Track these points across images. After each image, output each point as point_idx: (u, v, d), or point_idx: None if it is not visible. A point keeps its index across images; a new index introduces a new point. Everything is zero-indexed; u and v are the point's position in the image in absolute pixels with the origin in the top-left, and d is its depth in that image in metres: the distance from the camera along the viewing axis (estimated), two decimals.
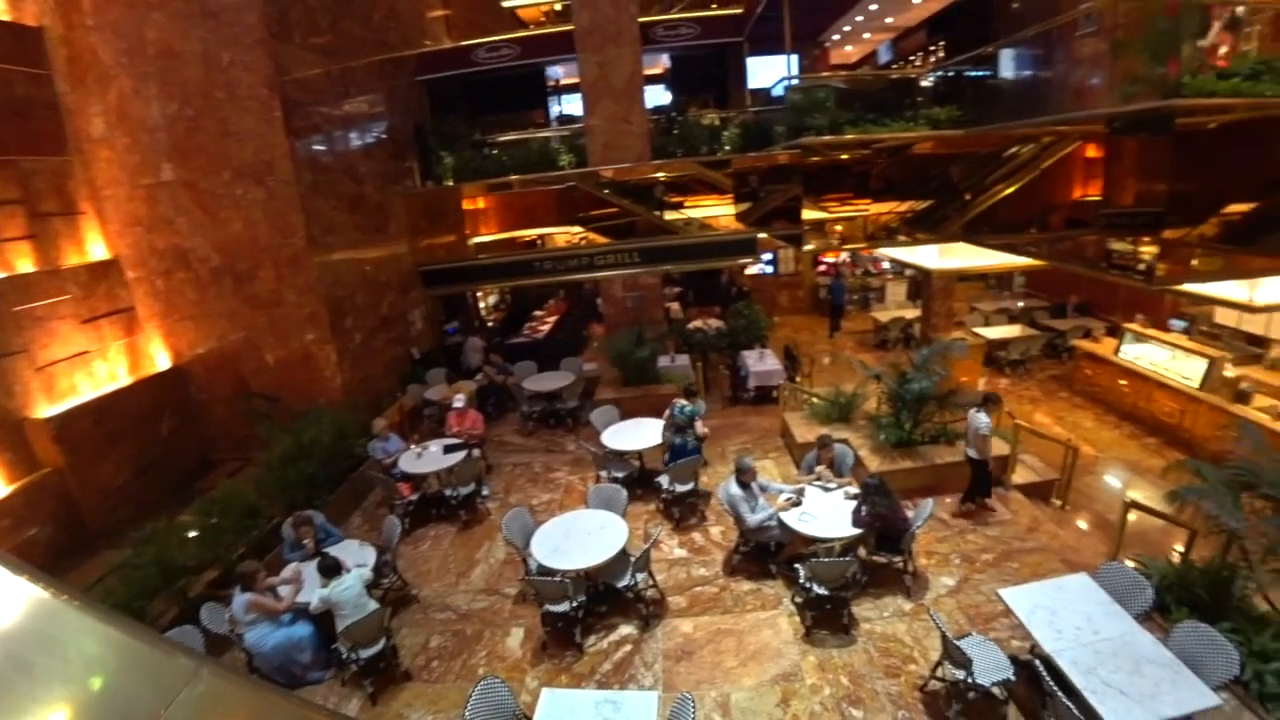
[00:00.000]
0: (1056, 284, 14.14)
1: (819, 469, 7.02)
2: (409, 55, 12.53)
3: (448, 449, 8.24)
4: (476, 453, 8.56)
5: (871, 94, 10.37)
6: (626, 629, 6.07)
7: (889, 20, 13.21)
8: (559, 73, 15.35)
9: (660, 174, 13.17)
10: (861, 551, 6.44)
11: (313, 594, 5.55)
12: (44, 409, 8.29)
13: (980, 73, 9.94)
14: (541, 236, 19.71)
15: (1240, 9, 5.99)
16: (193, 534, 6.56)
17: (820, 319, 16.60)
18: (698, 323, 13.24)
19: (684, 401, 8.08)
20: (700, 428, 7.93)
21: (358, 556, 6.24)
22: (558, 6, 19.73)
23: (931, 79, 10.59)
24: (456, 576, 7.07)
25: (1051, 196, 10.79)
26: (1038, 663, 4.55)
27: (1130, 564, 5.57)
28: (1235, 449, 6.01)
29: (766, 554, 6.73)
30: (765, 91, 13.41)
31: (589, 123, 11.54)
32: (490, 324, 15.62)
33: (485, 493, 8.46)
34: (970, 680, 4.72)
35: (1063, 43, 8.22)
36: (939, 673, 5.12)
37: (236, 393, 10.06)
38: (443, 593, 6.83)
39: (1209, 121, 6.59)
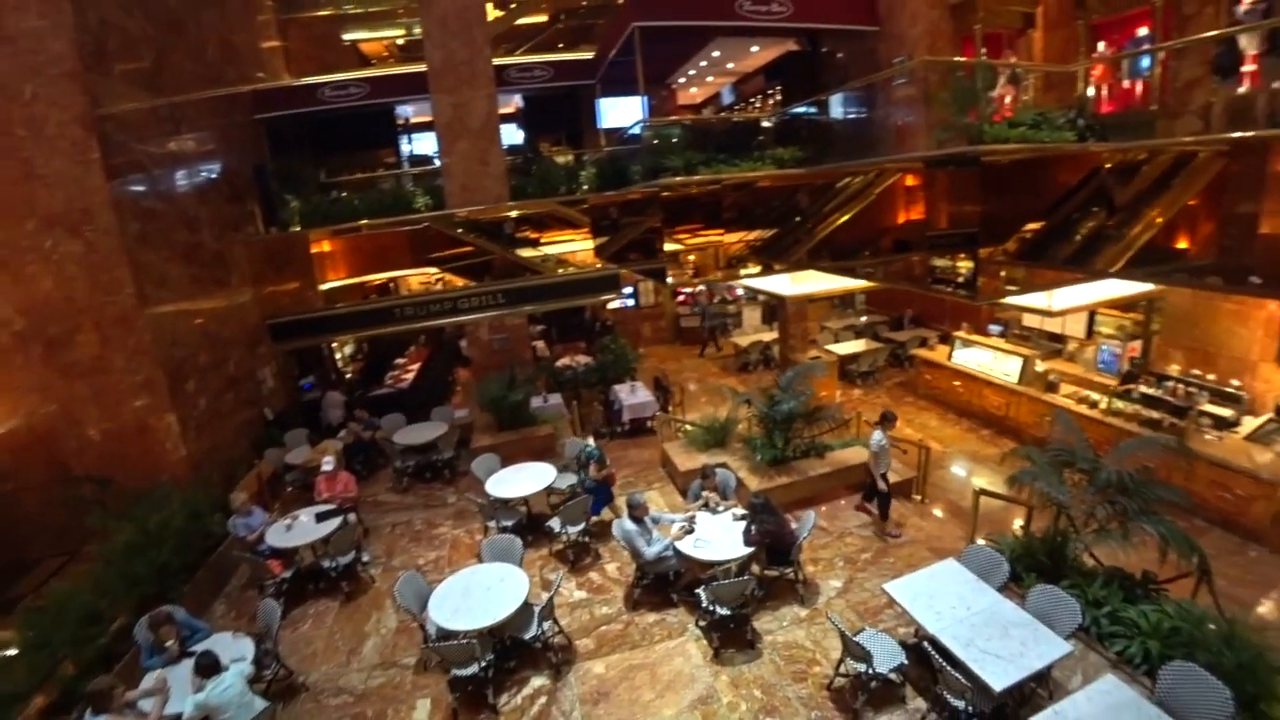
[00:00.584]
0: (893, 300, 15.92)
1: (705, 495, 7.35)
2: (247, 91, 11.76)
3: (320, 517, 7.66)
4: (352, 517, 8.01)
5: (721, 135, 11.24)
6: (539, 680, 5.98)
7: (730, 66, 14.40)
8: (409, 111, 15.11)
9: (514, 212, 13.27)
10: (755, 568, 6.82)
11: (184, 702, 4.93)
12: None
13: (815, 114, 11.14)
14: (394, 280, 19.07)
15: (1019, 70, 7.29)
16: (13, 653, 5.58)
17: (683, 347, 17.54)
18: (565, 360, 13.35)
19: (589, 442, 8.29)
20: (593, 469, 8.08)
21: (233, 650, 5.62)
22: (400, 41, 19.47)
23: (772, 121, 11.68)
24: (347, 655, 6.57)
25: (880, 221, 12.27)
26: (926, 644, 5.10)
27: (984, 543, 6.40)
28: (1052, 433, 7.11)
29: (666, 584, 6.92)
30: (618, 131, 14.07)
31: (445, 164, 11.43)
32: (349, 376, 14.73)
33: (366, 559, 7.94)
34: (872, 671, 5.18)
35: (884, 92, 9.50)
36: (842, 669, 5.55)
37: (53, 478, 8.71)
38: (334, 675, 6.32)
39: (1004, 159, 7.89)
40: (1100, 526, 5.82)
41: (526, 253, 14.78)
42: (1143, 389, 8.87)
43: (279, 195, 11.17)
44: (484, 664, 5.57)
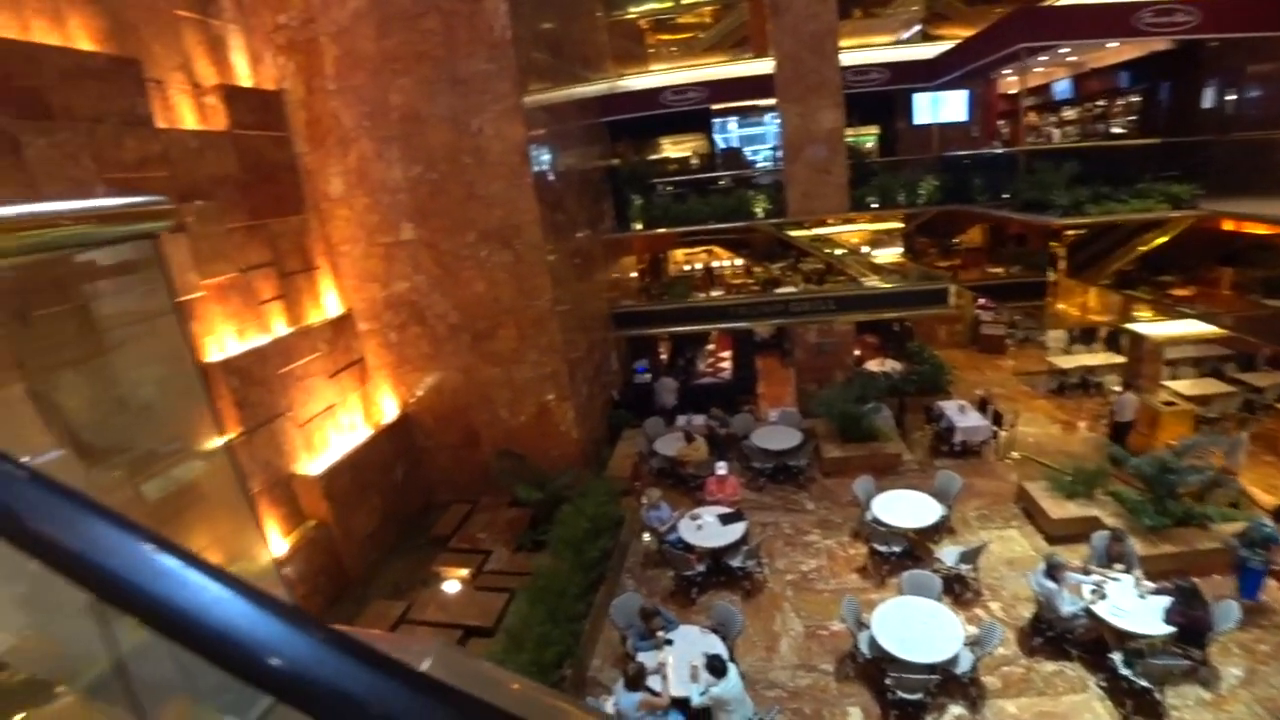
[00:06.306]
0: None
1: (1116, 566, 8.15)
2: (597, 98, 13.47)
3: (725, 520, 9.29)
4: (747, 523, 9.44)
5: (1096, 159, 11.23)
6: (957, 709, 7.29)
7: (1072, 59, 13.97)
8: None
9: None
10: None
11: (691, 690, 6.55)
12: (305, 464, 9.54)
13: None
14: (662, 255, 20.73)
15: None
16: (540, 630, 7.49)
17: (980, 354, 17.89)
18: (875, 365, 14.24)
19: (1265, 520, 8.42)
20: (1274, 552, 8.09)
21: (703, 644, 7.27)
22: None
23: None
24: (765, 650, 8.31)
25: (1205, 230, 11.70)
26: None
27: None
28: None
29: (1064, 638, 7.96)
30: (942, 127, 14.33)
31: (788, 171, 12.55)
32: (665, 362, 16.72)
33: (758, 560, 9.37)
34: None
35: None
36: None
37: (464, 442, 11.35)
38: (760, 668, 8.05)
39: None
40: None
41: (795, 232, 15.78)
42: None
43: (628, 197, 12.93)
44: (928, 693, 7.04)
